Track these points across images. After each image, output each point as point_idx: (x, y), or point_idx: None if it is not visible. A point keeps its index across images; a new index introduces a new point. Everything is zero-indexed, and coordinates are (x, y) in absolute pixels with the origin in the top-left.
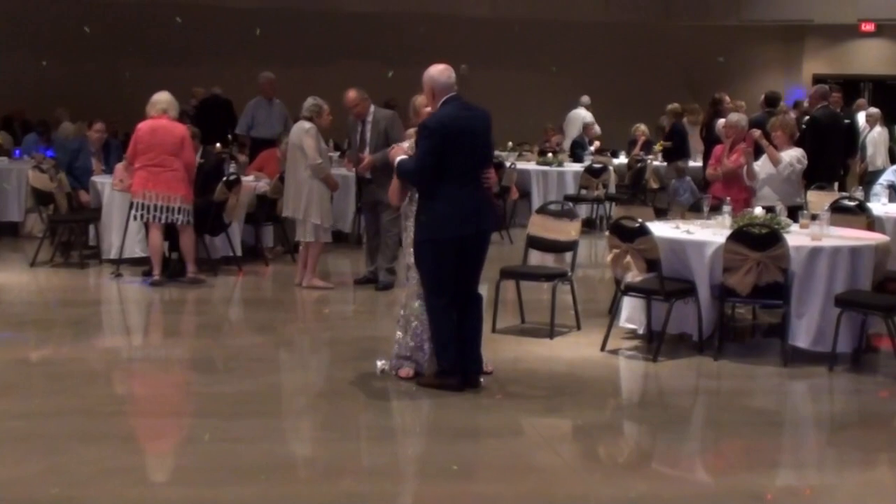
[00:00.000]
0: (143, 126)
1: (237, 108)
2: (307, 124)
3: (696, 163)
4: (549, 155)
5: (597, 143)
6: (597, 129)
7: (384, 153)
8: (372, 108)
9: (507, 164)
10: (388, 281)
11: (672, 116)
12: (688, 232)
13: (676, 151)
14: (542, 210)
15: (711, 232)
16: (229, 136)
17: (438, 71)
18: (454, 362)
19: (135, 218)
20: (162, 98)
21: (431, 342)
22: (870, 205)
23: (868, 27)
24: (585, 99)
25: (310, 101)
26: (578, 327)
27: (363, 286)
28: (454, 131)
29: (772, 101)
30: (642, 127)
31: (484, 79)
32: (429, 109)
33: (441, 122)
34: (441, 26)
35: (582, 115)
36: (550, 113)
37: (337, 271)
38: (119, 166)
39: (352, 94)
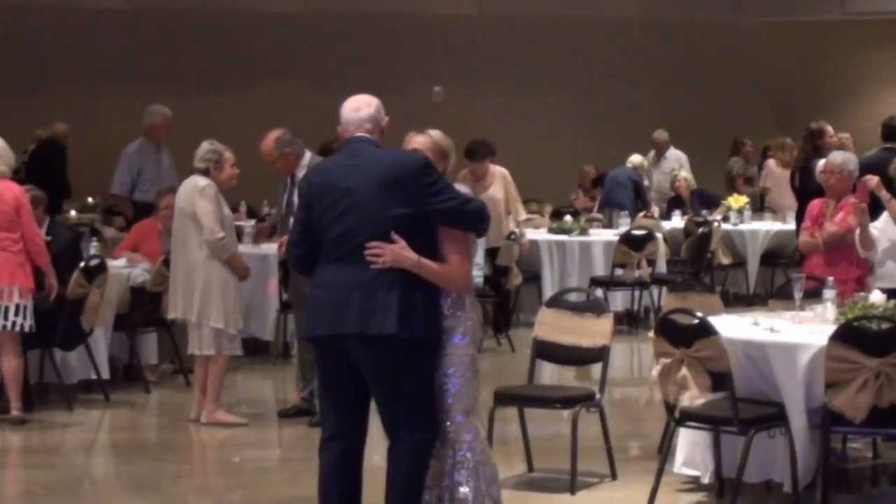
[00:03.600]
0: None
1: (91, 154)
2: (202, 180)
3: (786, 224)
4: (568, 218)
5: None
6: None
7: None
8: (306, 158)
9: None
10: None
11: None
12: (772, 330)
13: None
14: (557, 301)
15: (807, 329)
16: (91, 201)
17: (347, 103)
18: None
19: None
20: None
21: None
22: None
23: None
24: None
25: (205, 147)
26: (613, 476)
27: (292, 420)
28: (318, 189)
29: (893, 133)
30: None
31: (468, 106)
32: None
33: (308, 175)
34: (407, 31)
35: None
36: (570, 155)
37: (253, 398)
38: None
39: (269, 143)
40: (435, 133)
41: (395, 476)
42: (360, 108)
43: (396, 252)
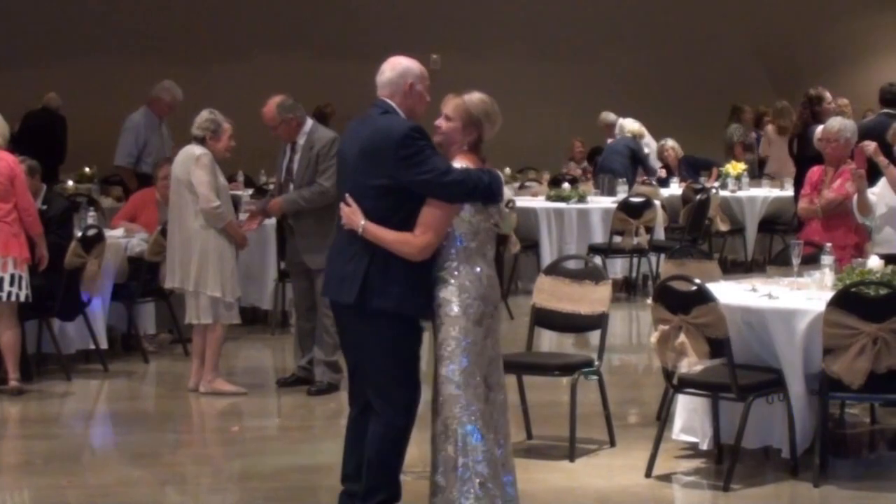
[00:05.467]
0: None
1: (88, 124)
2: (198, 149)
3: (784, 191)
4: (566, 185)
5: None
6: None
7: (313, 192)
8: (308, 125)
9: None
10: (329, 381)
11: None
12: (770, 296)
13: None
14: (555, 269)
15: (805, 295)
16: (88, 171)
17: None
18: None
19: None
20: None
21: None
22: None
23: None
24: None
25: (204, 116)
26: (612, 443)
27: (291, 389)
28: (339, 148)
29: (891, 98)
30: None
31: (464, 74)
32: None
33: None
34: None
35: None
36: (568, 122)
37: (251, 367)
38: None
39: (270, 108)
40: (471, 98)
41: (368, 447)
42: (384, 70)
43: (347, 214)
